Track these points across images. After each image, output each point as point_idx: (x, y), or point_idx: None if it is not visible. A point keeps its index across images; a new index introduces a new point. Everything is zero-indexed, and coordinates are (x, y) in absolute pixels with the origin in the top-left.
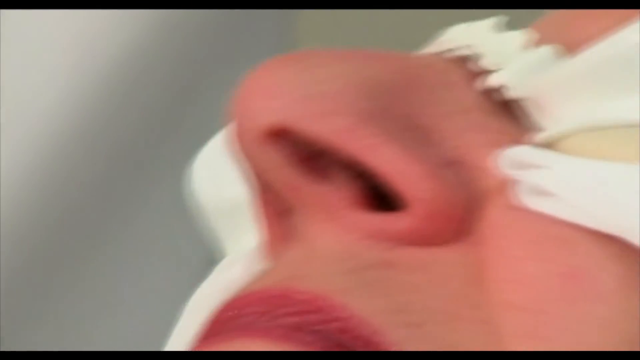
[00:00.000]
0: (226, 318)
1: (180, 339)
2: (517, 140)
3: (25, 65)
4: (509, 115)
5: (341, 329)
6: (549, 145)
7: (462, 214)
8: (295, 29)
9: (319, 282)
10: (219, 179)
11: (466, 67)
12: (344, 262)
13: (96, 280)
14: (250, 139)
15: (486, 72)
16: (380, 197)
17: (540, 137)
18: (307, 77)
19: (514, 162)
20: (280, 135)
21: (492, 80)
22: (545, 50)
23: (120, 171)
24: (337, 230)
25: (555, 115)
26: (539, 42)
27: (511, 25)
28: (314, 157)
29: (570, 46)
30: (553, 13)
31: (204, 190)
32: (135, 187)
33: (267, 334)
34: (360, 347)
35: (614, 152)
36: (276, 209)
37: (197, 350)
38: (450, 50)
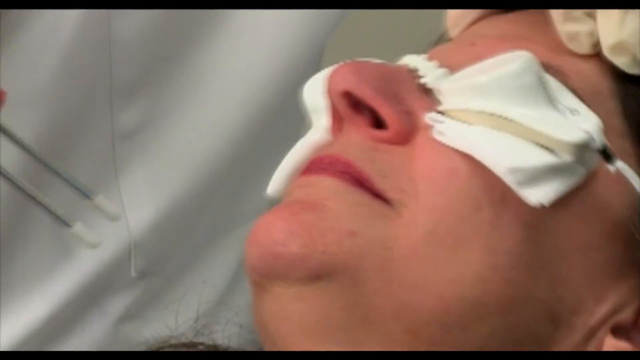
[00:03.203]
0: (314, 162)
1: (284, 170)
2: (432, 107)
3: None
4: (429, 96)
5: (356, 174)
6: (444, 112)
7: (409, 134)
8: None
9: (349, 154)
10: (315, 92)
11: (412, 74)
12: (359, 146)
13: None
14: (334, 91)
15: (421, 76)
16: (379, 124)
17: (440, 108)
18: (359, 72)
19: (431, 118)
20: (347, 94)
21: (423, 80)
22: (442, 70)
23: None
24: (359, 134)
25: (448, 100)
26: (441, 65)
27: None
28: (358, 104)
29: (452, 67)
30: (439, 49)
31: (308, 96)
32: None
33: (329, 174)
34: (363, 180)
35: (471, 120)
36: (337, 117)
37: (300, 178)
38: (406, 65)
